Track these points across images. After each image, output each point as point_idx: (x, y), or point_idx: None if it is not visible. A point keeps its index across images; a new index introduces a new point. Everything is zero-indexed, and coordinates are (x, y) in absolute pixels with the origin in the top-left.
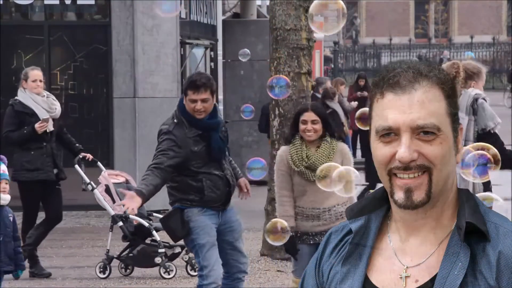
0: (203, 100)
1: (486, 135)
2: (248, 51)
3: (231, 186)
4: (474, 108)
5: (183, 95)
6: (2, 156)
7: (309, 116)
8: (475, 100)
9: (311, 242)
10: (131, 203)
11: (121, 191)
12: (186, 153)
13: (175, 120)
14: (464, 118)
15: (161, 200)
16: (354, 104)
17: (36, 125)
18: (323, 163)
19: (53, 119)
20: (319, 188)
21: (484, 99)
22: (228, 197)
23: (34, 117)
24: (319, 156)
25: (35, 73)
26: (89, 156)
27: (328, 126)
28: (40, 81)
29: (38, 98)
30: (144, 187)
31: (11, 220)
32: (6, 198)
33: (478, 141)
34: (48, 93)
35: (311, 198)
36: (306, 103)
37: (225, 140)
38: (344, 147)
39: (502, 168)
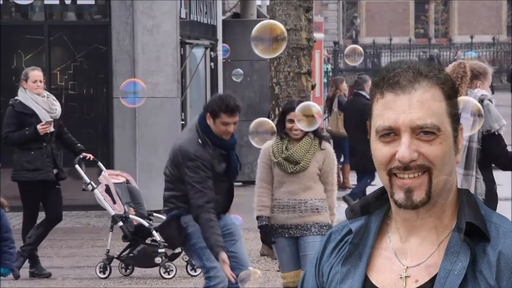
0: (235, 123)
1: (490, 137)
2: (241, 71)
3: (232, 199)
4: None
5: (206, 114)
6: None
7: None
8: (481, 101)
9: (287, 236)
10: (227, 267)
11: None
12: (212, 174)
13: (199, 141)
14: (469, 119)
15: (161, 200)
16: None
17: (39, 127)
18: (300, 156)
19: (53, 119)
20: (296, 179)
21: (490, 100)
22: (225, 210)
23: (34, 117)
24: (297, 149)
25: (36, 74)
26: (90, 156)
27: None
28: (40, 81)
29: (39, 99)
30: (221, 240)
31: None
32: None
33: (482, 143)
34: (48, 93)
35: (288, 189)
36: (292, 102)
37: (237, 159)
38: (329, 148)
39: (506, 169)
